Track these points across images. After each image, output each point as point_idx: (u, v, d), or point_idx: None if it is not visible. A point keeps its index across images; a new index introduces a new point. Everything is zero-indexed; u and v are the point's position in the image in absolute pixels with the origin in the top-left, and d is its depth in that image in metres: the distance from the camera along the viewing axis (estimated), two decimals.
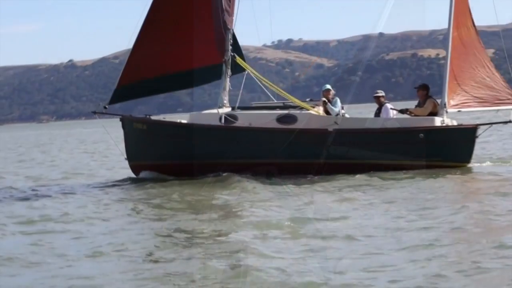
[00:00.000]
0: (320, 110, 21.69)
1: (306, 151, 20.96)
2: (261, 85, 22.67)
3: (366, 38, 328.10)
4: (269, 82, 22.94)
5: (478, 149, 22.83)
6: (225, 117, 21.36)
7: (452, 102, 21.98)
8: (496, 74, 22.49)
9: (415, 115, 21.83)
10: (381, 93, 22.58)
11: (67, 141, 63.81)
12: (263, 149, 21.16)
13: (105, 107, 22.83)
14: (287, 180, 19.83)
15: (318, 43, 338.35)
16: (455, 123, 22.19)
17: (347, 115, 22.63)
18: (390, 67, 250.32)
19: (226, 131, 21.53)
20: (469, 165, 21.51)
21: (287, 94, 22.60)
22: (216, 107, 22.39)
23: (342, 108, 22.40)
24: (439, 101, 21.77)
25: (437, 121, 21.39)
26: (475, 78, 22.25)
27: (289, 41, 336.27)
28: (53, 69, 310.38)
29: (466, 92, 22.17)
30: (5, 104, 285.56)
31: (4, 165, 33.84)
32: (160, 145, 21.83)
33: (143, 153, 22.03)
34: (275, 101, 22.75)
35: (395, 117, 22.13)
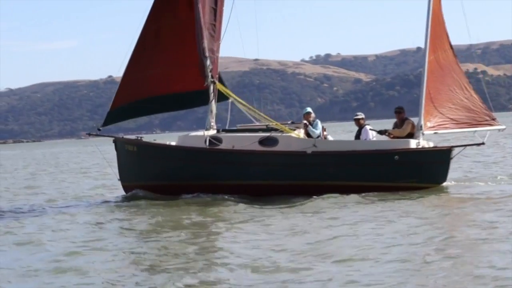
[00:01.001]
0: (301, 132, 22.12)
1: (285, 172, 21.44)
2: (244, 111, 22.98)
3: (404, 52, 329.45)
4: (252, 108, 23.17)
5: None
6: (209, 140, 21.81)
7: (429, 124, 22.21)
8: (474, 95, 22.62)
9: (394, 136, 22.15)
10: (360, 115, 22.94)
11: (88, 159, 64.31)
12: (245, 170, 21.62)
13: (98, 129, 23.64)
14: (266, 201, 20.37)
15: (356, 58, 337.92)
16: (431, 144, 22.46)
17: (329, 137, 23.03)
18: None
19: (210, 154, 21.97)
20: (444, 184, 21.87)
21: (268, 118, 22.86)
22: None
23: (324, 130, 22.80)
24: (416, 121, 22.12)
25: (412, 143, 21.62)
26: (453, 100, 22.45)
27: (328, 56, 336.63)
28: (93, 85, 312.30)
29: (443, 114, 22.34)
30: (45, 120, 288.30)
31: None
32: (149, 166, 22.41)
33: (134, 174, 22.70)
34: (259, 124, 23.03)
35: (374, 138, 22.50)
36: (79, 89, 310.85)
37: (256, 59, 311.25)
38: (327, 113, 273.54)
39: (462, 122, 22.58)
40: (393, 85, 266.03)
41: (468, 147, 23.36)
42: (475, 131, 22.81)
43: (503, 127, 23.09)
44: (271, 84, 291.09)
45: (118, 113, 23.94)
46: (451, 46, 22.58)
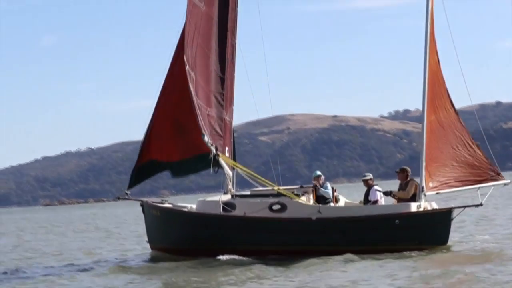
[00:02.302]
0: (310, 197, 22.55)
1: (292, 238, 21.82)
2: (248, 179, 23.37)
3: (483, 107, 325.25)
4: (255, 175, 23.44)
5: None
6: (223, 206, 22.37)
7: (431, 185, 22.27)
8: (478, 151, 22.65)
9: (399, 198, 22.41)
10: (368, 176, 23.16)
11: None
12: (256, 236, 22.04)
13: (126, 193, 24.36)
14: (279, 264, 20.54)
15: None
16: (434, 204, 22.40)
17: (340, 197, 23.44)
18: (509, 136, 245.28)
19: (222, 220, 22.45)
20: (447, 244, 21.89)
21: (272, 184, 23.04)
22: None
23: (335, 191, 23.21)
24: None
25: (413, 207, 21.74)
26: (456, 158, 22.48)
27: (406, 111, 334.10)
28: None
29: (446, 172, 22.40)
30: (126, 180, 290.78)
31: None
32: (170, 230, 23.20)
33: (158, 237, 23.59)
34: (270, 188, 23.11)
35: (382, 198, 22.70)
36: None
37: (334, 116, 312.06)
38: None
39: (466, 179, 22.53)
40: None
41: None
42: (479, 187, 22.67)
43: (508, 181, 22.91)
44: (350, 141, 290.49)
45: (139, 172, 24.51)
46: (452, 105, 22.67)
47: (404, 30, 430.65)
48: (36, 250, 31.41)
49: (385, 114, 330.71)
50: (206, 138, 22.63)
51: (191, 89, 22.43)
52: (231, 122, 24.60)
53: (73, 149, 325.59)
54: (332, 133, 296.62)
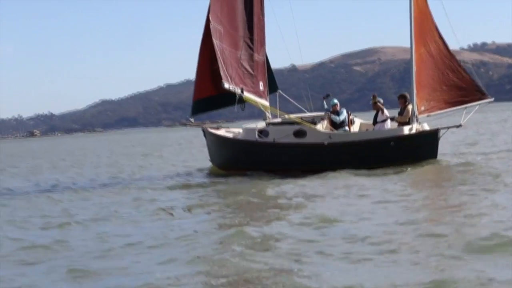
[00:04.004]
0: (325, 123, 22.99)
1: (309, 159, 22.42)
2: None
3: None
4: (271, 108, 24.34)
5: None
6: (258, 133, 23.09)
7: (422, 108, 22.17)
8: (465, 75, 22.50)
9: (399, 122, 22.53)
10: (379, 100, 22.97)
11: None
12: (282, 158, 22.73)
13: (190, 120, 24.93)
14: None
15: (510, 45, 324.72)
16: (426, 126, 22.36)
17: (356, 119, 23.74)
18: None
19: (257, 145, 23.17)
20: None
21: (287, 114, 24.07)
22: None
23: (350, 114, 23.45)
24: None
25: (405, 130, 21.90)
26: (446, 82, 22.29)
27: (484, 44, 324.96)
28: (278, 73, 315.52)
29: (436, 96, 22.26)
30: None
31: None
32: (220, 152, 24.24)
33: (214, 156, 24.70)
34: (298, 115, 23.91)
35: (387, 121, 22.74)
36: None
37: None
38: None
39: (454, 100, 22.37)
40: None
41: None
42: (466, 107, 22.41)
43: (492, 99, 22.64)
44: (467, 69, 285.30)
45: (199, 105, 24.79)
46: (440, 37, 22.36)
47: None
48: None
49: (465, 47, 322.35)
50: (226, 85, 23.18)
51: (214, 41, 22.91)
52: (263, 61, 24.76)
53: (192, 77, 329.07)
54: None
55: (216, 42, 23.06)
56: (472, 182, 16.88)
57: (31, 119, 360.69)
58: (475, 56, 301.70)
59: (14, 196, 21.51)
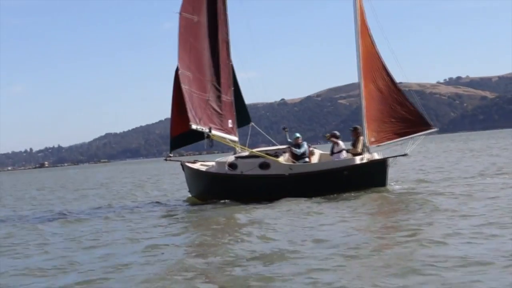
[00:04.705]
0: (286, 155, 23.17)
1: (273, 189, 22.46)
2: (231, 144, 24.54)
3: None
4: (235, 144, 24.48)
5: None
6: (228, 166, 23.30)
7: (372, 139, 22.34)
8: (412, 108, 22.65)
9: (352, 153, 22.71)
10: (333, 133, 23.50)
11: None
12: (248, 188, 22.79)
13: (169, 156, 25.07)
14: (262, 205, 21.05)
15: (482, 79, 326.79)
16: (376, 156, 22.48)
17: (316, 151, 23.84)
18: None
19: (226, 177, 23.33)
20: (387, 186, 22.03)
21: (246, 148, 24.17)
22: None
23: (310, 147, 23.64)
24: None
25: (357, 160, 22.09)
26: (394, 115, 22.42)
27: (459, 78, 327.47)
28: (269, 107, 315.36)
29: (385, 128, 22.39)
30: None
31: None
32: (195, 183, 24.32)
33: (190, 187, 24.83)
34: (263, 149, 24.04)
35: (343, 152, 22.95)
36: (258, 110, 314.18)
37: (399, 82, 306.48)
38: (459, 125, 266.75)
39: (402, 131, 22.46)
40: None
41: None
42: (412, 137, 22.51)
43: (436, 129, 22.83)
44: (413, 103, 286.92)
45: (175, 141, 24.89)
46: (388, 74, 22.63)
47: None
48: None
49: (441, 81, 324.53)
50: (194, 126, 23.38)
51: (182, 87, 23.22)
52: (231, 101, 24.94)
53: None
54: None
55: (185, 87, 23.36)
56: (411, 209, 16.88)
57: (41, 151, 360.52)
58: (451, 89, 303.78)
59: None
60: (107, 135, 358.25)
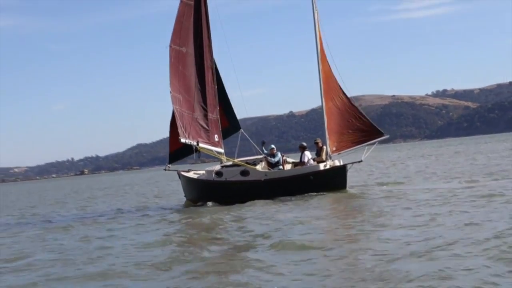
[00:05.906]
0: (262, 164, 23.84)
1: (252, 192, 23.08)
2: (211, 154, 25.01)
3: (500, 86, 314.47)
4: (219, 156, 24.94)
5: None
6: (214, 174, 23.98)
7: (334, 149, 23.02)
8: (365, 120, 23.11)
9: (317, 161, 23.40)
10: (304, 144, 24.12)
11: None
12: (231, 192, 23.42)
13: (168, 167, 25.67)
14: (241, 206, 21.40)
15: (465, 91, 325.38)
16: (337, 162, 23.17)
17: (288, 159, 24.42)
18: None
19: (213, 184, 23.98)
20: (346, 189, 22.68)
21: (231, 158, 24.70)
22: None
23: (283, 156, 24.18)
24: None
25: (321, 166, 22.82)
26: (351, 127, 22.98)
27: (445, 90, 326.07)
28: (279, 118, 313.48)
29: (344, 138, 23.00)
30: (247, 145, 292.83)
31: None
32: (189, 189, 24.97)
33: (185, 193, 25.49)
34: (246, 159, 24.67)
35: (311, 159, 23.56)
36: (269, 122, 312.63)
37: (393, 95, 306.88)
38: (445, 132, 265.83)
39: (357, 140, 22.96)
40: (493, 110, 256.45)
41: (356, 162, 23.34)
42: (367, 145, 22.99)
43: (387, 136, 23.28)
44: (405, 113, 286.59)
45: (174, 154, 25.63)
46: (344, 93, 23.19)
47: None
48: None
49: (429, 93, 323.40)
50: (183, 140, 23.93)
51: (174, 106, 23.93)
52: (217, 118, 25.39)
53: None
54: (391, 108, 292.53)
55: (176, 107, 24.05)
56: (364, 209, 17.04)
57: (81, 160, 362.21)
58: (438, 101, 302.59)
59: None
60: (138, 146, 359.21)
